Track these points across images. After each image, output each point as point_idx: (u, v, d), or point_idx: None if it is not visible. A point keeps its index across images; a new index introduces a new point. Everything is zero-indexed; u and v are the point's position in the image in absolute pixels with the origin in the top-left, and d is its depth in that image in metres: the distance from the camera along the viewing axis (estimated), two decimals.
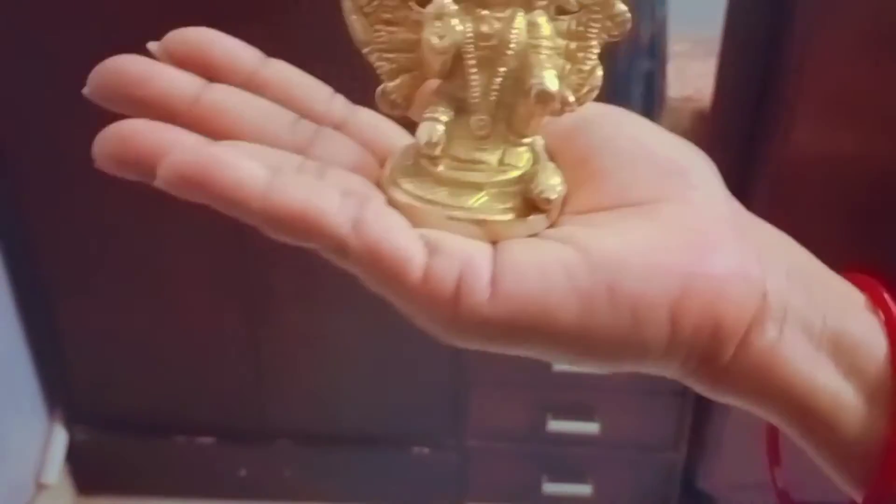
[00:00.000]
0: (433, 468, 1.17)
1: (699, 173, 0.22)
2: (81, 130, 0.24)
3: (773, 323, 0.21)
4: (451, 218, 0.21)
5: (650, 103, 1.23)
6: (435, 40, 0.21)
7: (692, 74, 1.30)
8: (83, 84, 0.20)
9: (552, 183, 0.21)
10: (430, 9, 0.21)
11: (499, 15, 0.21)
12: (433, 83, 0.22)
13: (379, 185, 0.22)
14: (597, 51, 0.22)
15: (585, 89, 0.22)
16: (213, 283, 1.05)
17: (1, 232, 1.01)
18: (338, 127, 0.23)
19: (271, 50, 0.23)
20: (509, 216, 0.21)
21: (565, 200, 0.22)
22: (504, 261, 0.20)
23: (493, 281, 0.19)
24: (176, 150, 0.19)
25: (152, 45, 0.22)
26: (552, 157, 0.23)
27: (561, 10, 0.22)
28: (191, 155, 0.18)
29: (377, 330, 1.03)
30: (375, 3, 0.22)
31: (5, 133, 0.94)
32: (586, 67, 0.22)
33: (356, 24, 0.22)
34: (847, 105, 0.94)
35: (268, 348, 1.08)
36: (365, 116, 0.24)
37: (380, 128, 0.24)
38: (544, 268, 0.19)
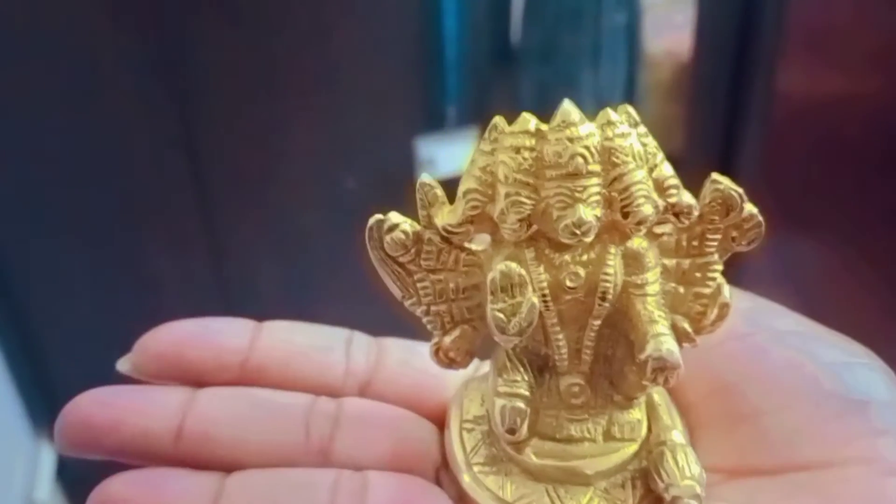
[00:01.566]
0: None
1: (881, 404, 0.16)
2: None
3: None
4: None
5: (630, 59, 1.19)
6: (504, 322, 0.16)
7: (670, 26, 1.26)
8: None
9: (690, 483, 0.16)
10: (493, 276, 0.16)
11: (583, 258, 0.16)
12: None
13: (445, 469, 0.17)
14: (719, 268, 0.17)
15: (710, 318, 0.17)
16: (196, 288, 1.02)
17: None
18: (364, 389, 0.19)
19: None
20: None
21: (694, 444, 0.17)
22: None
23: None
24: None
25: (122, 364, 0.19)
26: (671, 391, 0.18)
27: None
28: None
29: (366, 326, 0.99)
30: (412, 251, 0.17)
31: None
32: (707, 290, 0.17)
33: (392, 278, 0.17)
34: (832, 45, 0.91)
35: None
36: (395, 360, 0.19)
37: (416, 365, 0.19)
38: None
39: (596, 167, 0.16)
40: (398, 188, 1.07)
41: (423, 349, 0.19)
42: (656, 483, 0.16)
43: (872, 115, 0.93)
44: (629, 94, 1.19)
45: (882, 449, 0.15)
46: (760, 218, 0.16)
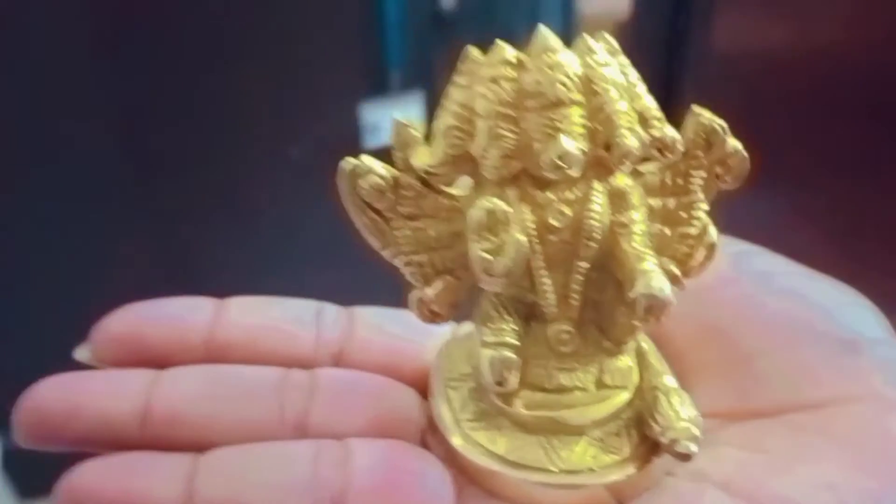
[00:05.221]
0: None
1: (873, 342, 0.16)
2: None
3: None
4: (548, 485, 0.15)
5: (566, 20, 1.20)
6: (490, 262, 0.15)
7: None
8: None
9: (686, 425, 0.15)
10: (474, 214, 0.15)
11: (568, 196, 0.15)
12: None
13: (432, 432, 0.16)
14: (705, 207, 0.16)
15: (698, 259, 0.17)
16: (141, 268, 0.99)
17: None
18: (337, 359, 0.18)
19: None
20: (628, 470, 0.16)
21: (687, 391, 0.16)
22: None
23: None
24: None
25: (80, 353, 0.18)
26: (659, 339, 0.17)
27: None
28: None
29: (319, 297, 0.98)
30: (389, 196, 0.16)
31: None
32: (693, 231, 0.16)
33: (368, 226, 0.16)
34: (762, 2, 0.93)
35: None
36: (365, 326, 0.18)
37: (391, 331, 0.18)
38: None
39: (578, 96, 0.15)
40: (343, 155, 1.06)
41: (397, 314, 0.19)
42: (651, 428, 0.16)
43: (811, 65, 0.95)
44: None
45: (878, 386, 0.15)
46: (745, 153, 0.16)
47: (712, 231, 0.17)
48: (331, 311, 0.19)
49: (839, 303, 0.17)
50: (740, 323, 0.17)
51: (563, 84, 0.15)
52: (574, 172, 0.15)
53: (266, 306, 0.19)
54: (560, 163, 0.14)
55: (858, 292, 0.18)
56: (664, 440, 0.15)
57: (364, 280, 1.10)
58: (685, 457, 0.15)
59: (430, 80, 0.94)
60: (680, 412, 0.15)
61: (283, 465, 0.15)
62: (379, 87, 0.91)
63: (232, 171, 0.90)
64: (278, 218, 0.98)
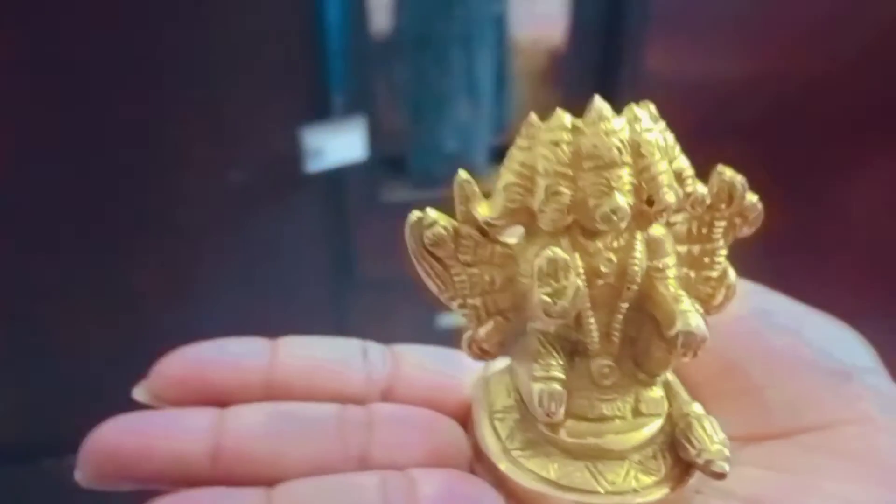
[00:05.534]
0: None
1: (863, 370, 0.19)
2: None
3: None
4: None
5: (501, 47, 1.22)
6: (551, 304, 0.17)
7: (538, 14, 1.30)
8: None
9: (719, 448, 0.17)
10: (538, 262, 0.17)
11: (614, 245, 0.17)
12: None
13: (477, 460, 0.18)
14: (725, 252, 0.19)
15: (719, 299, 0.19)
16: (75, 294, 0.97)
17: None
18: (386, 395, 0.19)
19: None
20: (665, 490, 0.17)
21: None
22: None
23: None
24: None
25: (139, 393, 0.18)
26: (678, 371, 0.19)
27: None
28: None
29: (256, 324, 0.97)
30: (450, 245, 0.18)
31: None
32: (715, 274, 0.19)
33: (430, 272, 0.18)
34: (695, 29, 0.97)
35: (135, 357, 1.01)
36: (409, 363, 0.20)
37: (432, 368, 0.20)
38: None
39: (628, 158, 0.17)
40: (285, 180, 1.05)
41: (433, 352, 0.20)
42: (687, 451, 0.17)
43: (738, 90, 1.00)
44: (501, 81, 1.22)
45: (869, 410, 0.18)
46: (761, 205, 0.18)
47: (731, 273, 0.19)
48: (375, 349, 0.20)
49: (833, 337, 0.20)
50: (748, 357, 0.19)
51: (617, 148, 0.17)
52: (623, 224, 0.17)
53: (315, 345, 0.19)
54: (613, 216, 0.16)
55: (849, 326, 0.20)
56: (700, 461, 0.17)
57: (299, 302, 1.09)
58: (721, 475, 0.17)
59: (373, 105, 0.95)
60: (713, 436, 0.17)
61: (354, 495, 0.16)
62: (321, 112, 0.92)
63: (172, 195, 0.89)
64: (218, 241, 0.97)
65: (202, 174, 0.91)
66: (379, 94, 1.00)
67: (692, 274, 0.18)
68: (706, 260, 0.18)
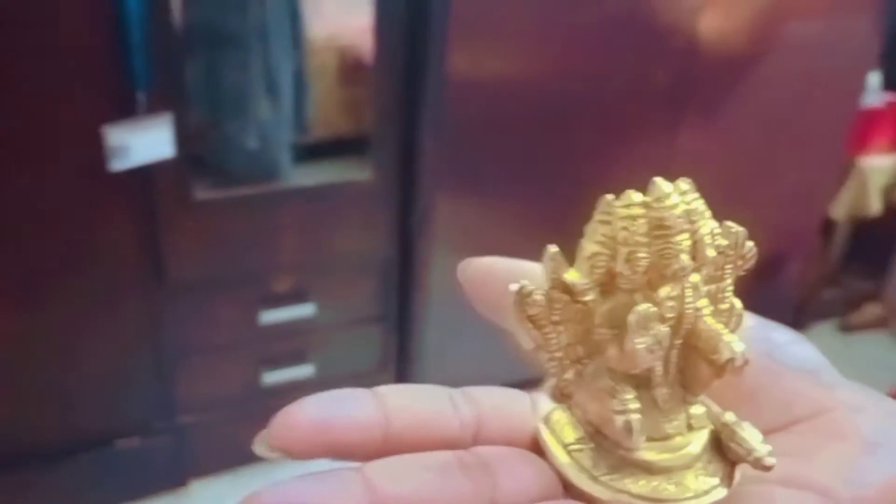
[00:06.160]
0: (146, 457, 1.09)
1: (823, 366, 0.24)
2: None
3: None
4: None
5: (296, 45, 1.23)
6: (643, 352, 0.20)
7: (330, 13, 1.32)
8: None
9: (760, 443, 0.21)
10: (632, 318, 0.20)
11: (672, 293, 0.21)
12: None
13: (566, 490, 0.20)
14: (731, 288, 0.22)
15: (731, 327, 0.22)
16: None
17: None
18: (476, 437, 0.20)
19: None
20: (725, 488, 0.21)
21: None
22: None
23: None
24: None
25: (258, 447, 0.18)
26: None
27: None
28: None
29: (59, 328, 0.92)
30: (545, 308, 0.20)
31: None
32: (725, 306, 0.22)
33: (528, 334, 0.21)
34: (497, 31, 1.04)
35: None
36: (489, 404, 0.21)
37: (507, 409, 0.21)
38: None
39: (686, 225, 0.21)
40: (90, 179, 0.98)
41: (500, 393, 0.22)
42: (736, 453, 0.21)
43: (521, 90, 1.09)
44: (299, 80, 1.23)
45: (843, 397, 0.23)
46: (755, 249, 0.23)
47: (738, 304, 0.23)
48: (456, 393, 0.21)
49: (794, 342, 0.25)
50: (758, 370, 0.23)
51: (679, 218, 0.21)
52: (686, 276, 0.21)
53: (411, 393, 0.20)
54: (682, 273, 0.21)
55: (797, 332, 0.25)
56: (751, 459, 0.21)
57: (111, 308, 1.03)
58: (770, 468, 0.21)
59: (179, 101, 0.92)
60: (755, 436, 0.21)
61: None
62: (126, 110, 0.88)
63: None
64: (20, 247, 0.90)
65: (5, 174, 0.85)
66: (186, 91, 0.97)
67: (712, 308, 0.22)
68: (720, 296, 0.23)
